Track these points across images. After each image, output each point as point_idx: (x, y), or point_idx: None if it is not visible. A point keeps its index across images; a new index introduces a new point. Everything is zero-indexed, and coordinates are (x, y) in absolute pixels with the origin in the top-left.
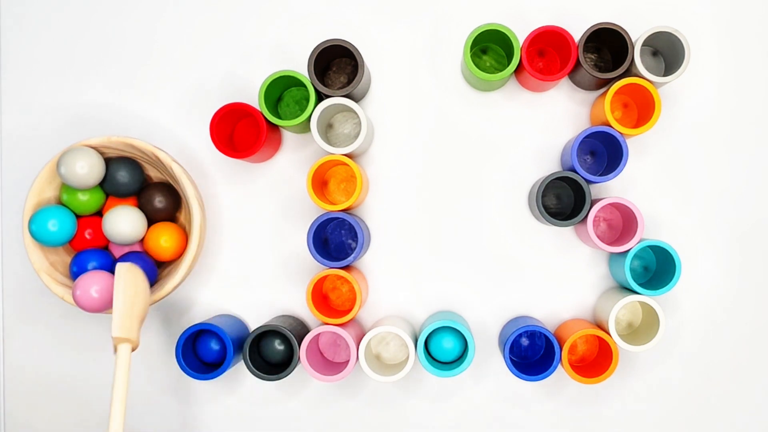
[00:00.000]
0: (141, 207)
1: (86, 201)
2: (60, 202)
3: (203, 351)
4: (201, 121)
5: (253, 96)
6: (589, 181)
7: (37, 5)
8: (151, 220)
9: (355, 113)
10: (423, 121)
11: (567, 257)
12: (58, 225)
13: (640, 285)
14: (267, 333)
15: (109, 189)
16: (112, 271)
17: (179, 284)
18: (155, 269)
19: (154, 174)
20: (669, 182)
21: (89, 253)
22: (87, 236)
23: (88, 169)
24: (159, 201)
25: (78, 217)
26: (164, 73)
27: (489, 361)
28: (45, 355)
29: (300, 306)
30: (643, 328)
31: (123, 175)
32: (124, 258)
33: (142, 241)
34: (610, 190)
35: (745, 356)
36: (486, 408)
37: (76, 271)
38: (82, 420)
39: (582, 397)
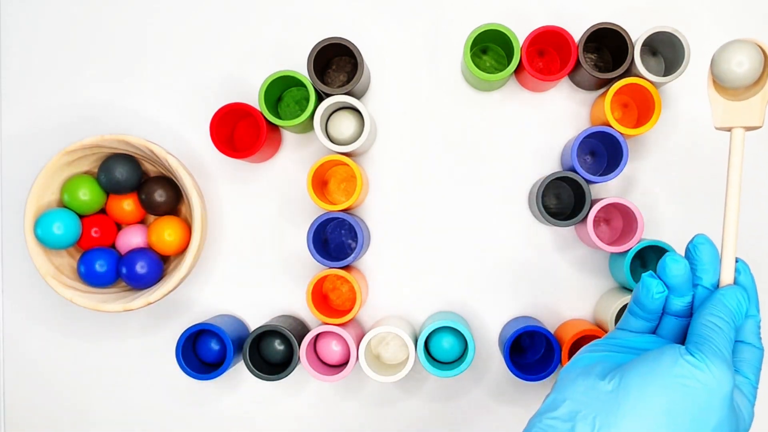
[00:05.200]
0: (141, 202)
1: (88, 201)
2: (61, 204)
3: (203, 351)
4: (201, 121)
5: (253, 96)
6: (589, 181)
7: (37, 6)
8: (154, 215)
9: (356, 113)
10: (423, 121)
11: (567, 257)
12: (63, 227)
13: None
14: (267, 333)
15: (108, 186)
16: (117, 271)
17: (186, 276)
18: (161, 265)
19: (152, 170)
20: (669, 182)
21: (96, 252)
22: (94, 234)
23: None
24: (159, 195)
25: (82, 216)
26: (164, 73)
27: (489, 361)
28: (46, 355)
29: (300, 306)
30: None
31: (121, 172)
32: (129, 255)
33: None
34: (610, 190)
35: None
36: (486, 408)
37: (84, 271)
38: (82, 420)
39: None
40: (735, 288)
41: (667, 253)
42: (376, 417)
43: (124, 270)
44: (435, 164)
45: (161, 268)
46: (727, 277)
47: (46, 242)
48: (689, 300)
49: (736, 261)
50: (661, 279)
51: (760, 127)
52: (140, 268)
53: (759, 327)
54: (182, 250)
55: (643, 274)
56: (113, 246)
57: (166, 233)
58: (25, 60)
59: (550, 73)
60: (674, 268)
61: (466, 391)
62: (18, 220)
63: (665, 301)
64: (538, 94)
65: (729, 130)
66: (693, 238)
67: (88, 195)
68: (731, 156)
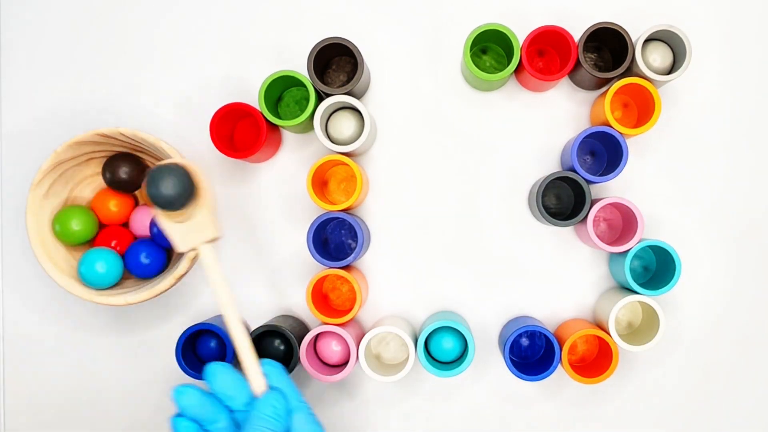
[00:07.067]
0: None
1: (80, 230)
2: (63, 199)
3: (203, 351)
4: (201, 121)
5: (253, 96)
6: (589, 181)
7: (38, 5)
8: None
9: (356, 112)
10: (423, 121)
11: (567, 257)
12: (106, 267)
13: (640, 285)
14: (267, 333)
15: (113, 184)
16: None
17: (186, 273)
18: (164, 256)
19: (151, 162)
20: (669, 182)
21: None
22: (113, 246)
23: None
24: (124, 172)
25: (87, 241)
26: (164, 73)
27: (489, 361)
28: (46, 352)
29: (300, 306)
30: (643, 328)
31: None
32: (135, 246)
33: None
34: (610, 190)
35: (745, 356)
36: (486, 408)
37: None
38: (82, 418)
39: (582, 397)
40: (267, 396)
41: (174, 388)
42: (376, 417)
43: (155, 230)
44: (435, 164)
45: (164, 260)
46: (257, 387)
47: (89, 281)
48: (226, 425)
49: (264, 365)
50: (184, 416)
51: (220, 236)
52: (144, 258)
53: (311, 414)
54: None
55: (171, 420)
56: (113, 246)
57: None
58: (26, 60)
59: (550, 73)
60: (183, 398)
61: (466, 391)
62: (18, 219)
63: None
64: (538, 94)
65: (195, 249)
66: (204, 370)
67: (80, 225)
68: (209, 271)
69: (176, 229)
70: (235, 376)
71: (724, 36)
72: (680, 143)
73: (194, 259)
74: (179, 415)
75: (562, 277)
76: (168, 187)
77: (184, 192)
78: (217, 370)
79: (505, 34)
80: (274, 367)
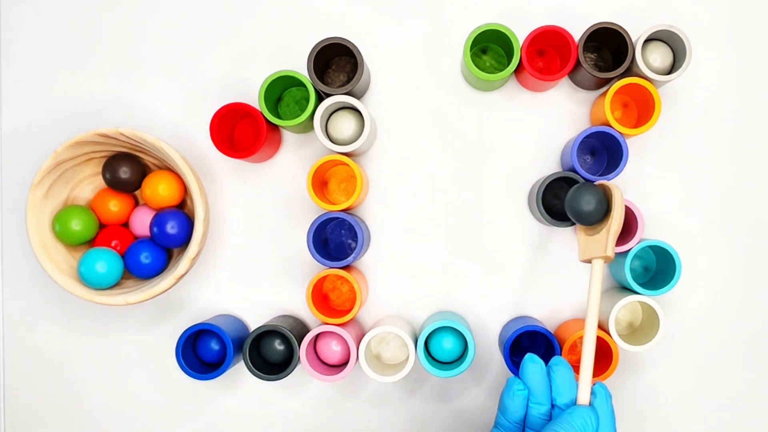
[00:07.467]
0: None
1: (80, 230)
2: (63, 199)
3: (203, 351)
4: (201, 121)
5: (253, 96)
6: (589, 181)
7: (38, 4)
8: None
9: (356, 113)
10: (423, 121)
11: (567, 257)
12: (106, 267)
13: (640, 285)
14: (267, 333)
15: (113, 184)
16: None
17: (186, 272)
18: (164, 256)
19: (151, 162)
20: (669, 182)
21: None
22: (113, 246)
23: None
24: (124, 172)
25: (87, 241)
26: (164, 73)
27: (489, 361)
28: (46, 352)
29: (300, 306)
30: (643, 328)
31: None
32: (135, 246)
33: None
34: None
35: (746, 356)
36: (486, 408)
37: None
38: (82, 419)
39: None
40: (584, 408)
41: (527, 354)
42: (376, 417)
43: (155, 230)
44: (435, 164)
45: (188, 229)
46: (582, 398)
47: (89, 281)
48: (546, 410)
49: (595, 384)
50: (522, 380)
51: (611, 258)
52: (144, 258)
53: None
54: (176, 203)
55: (508, 378)
56: (114, 245)
57: (160, 187)
58: (26, 60)
59: (550, 73)
60: (531, 366)
61: (466, 391)
62: (19, 219)
63: (526, 412)
64: (538, 94)
65: (590, 261)
66: (551, 359)
67: (80, 225)
68: (591, 283)
69: (583, 239)
70: (573, 377)
71: (724, 36)
72: (680, 143)
73: (194, 259)
74: (515, 377)
75: (562, 277)
76: (587, 203)
77: (598, 211)
78: (563, 364)
79: (505, 34)
80: (606, 392)
